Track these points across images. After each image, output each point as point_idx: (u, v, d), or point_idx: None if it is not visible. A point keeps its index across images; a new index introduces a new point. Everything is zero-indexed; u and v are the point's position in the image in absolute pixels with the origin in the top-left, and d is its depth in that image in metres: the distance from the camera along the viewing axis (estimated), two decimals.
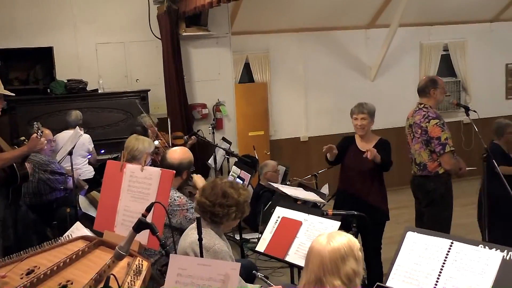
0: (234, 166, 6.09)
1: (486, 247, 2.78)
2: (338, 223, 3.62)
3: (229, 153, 6.98)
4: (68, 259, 2.92)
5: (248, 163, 5.97)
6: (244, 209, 3.28)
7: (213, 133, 7.66)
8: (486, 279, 2.66)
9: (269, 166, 6.89)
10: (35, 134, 4.58)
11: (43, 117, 7.07)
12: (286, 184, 6.34)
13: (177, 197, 3.80)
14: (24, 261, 2.95)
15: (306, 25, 8.87)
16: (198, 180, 3.89)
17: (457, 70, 9.88)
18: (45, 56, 7.46)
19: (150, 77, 8.15)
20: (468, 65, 9.86)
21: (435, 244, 2.92)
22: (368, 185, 4.82)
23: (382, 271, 4.84)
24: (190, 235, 3.25)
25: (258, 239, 4.09)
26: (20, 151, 4.64)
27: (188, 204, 3.78)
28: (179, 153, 3.99)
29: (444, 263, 2.83)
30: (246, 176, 5.60)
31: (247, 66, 8.90)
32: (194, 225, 3.31)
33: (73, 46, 7.84)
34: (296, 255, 3.64)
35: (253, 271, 3.83)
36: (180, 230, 3.64)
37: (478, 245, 2.80)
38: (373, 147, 4.78)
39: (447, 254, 2.85)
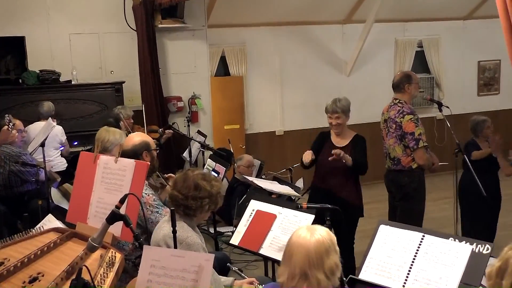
0: (209, 159, 6.08)
1: (456, 240, 2.83)
2: (313, 217, 3.64)
3: (204, 146, 6.96)
4: (39, 251, 2.88)
5: (223, 156, 5.97)
6: (217, 201, 3.26)
7: (189, 126, 7.64)
8: (456, 271, 2.72)
9: (244, 160, 6.91)
10: (6, 127, 4.50)
11: (15, 108, 6.96)
12: (261, 178, 6.36)
13: (145, 194, 3.69)
14: None
15: (283, 19, 8.87)
16: None
17: (431, 66, 10.00)
18: (17, 45, 7.31)
19: (125, 69, 8.07)
20: (441, 61, 9.99)
21: (407, 237, 2.97)
22: (342, 181, 4.82)
23: (355, 265, 4.88)
24: (163, 228, 3.22)
25: (233, 232, 4.09)
26: None
27: (154, 206, 3.66)
28: (130, 139, 3.92)
29: (415, 256, 2.88)
30: (221, 169, 5.60)
31: (223, 59, 8.86)
32: (166, 218, 3.29)
33: (46, 36, 7.71)
34: (270, 248, 3.65)
35: (227, 264, 3.84)
36: (140, 226, 3.58)
37: (448, 238, 2.86)
38: (347, 144, 4.80)
39: (419, 247, 2.90)
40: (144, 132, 6.76)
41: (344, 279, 2.76)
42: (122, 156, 3.56)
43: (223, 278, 3.46)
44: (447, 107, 5.22)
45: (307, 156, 4.69)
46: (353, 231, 4.96)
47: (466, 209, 5.69)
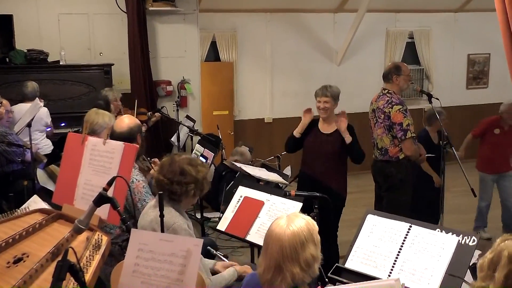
0: (197, 145, 6.06)
1: (443, 231, 2.85)
2: (300, 204, 3.64)
3: (193, 131, 6.92)
4: (24, 232, 2.85)
5: (211, 141, 5.95)
6: (203, 186, 3.23)
7: (177, 110, 7.60)
8: (442, 262, 2.74)
9: (244, 157, 6.76)
10: None
11: (2, 87, 6.86)
12: (249, 164, 6.35)
13: (136, 179, 3.69)
14: None
15: (275, 5, 8.82)
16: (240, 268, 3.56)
17: (421, 58, 10.01)
18: (4, 24, 7.19)
19: (114, 51, 7.98)
20: (432, 53, 10.01)
21: (394, 227, 2.98)
22: (327, 168, 4.82)
23: (338, 254, 4.91)
24: (150, 213, 3.20)
25: (219, 218, 4.09)
26: None
27: (143, 193, 3.66)
28: (125, 121, 3.89)
29: (402, 246, 2.90)
30: (210, 154, 5.59)
31: (213, 45, 8.81)
32: (152, 203, 3.27)
33: (34, 15, 7.59)
34: (257, 235, 3.65)
35: (208, 248, 3.79)
36: (128, 212, 3.56)
37: (435, 229, 2.88)
38: (334, 131, 4.80)
39: (405, 237, 2.92)
40: (133, 115, 6.72)
41: (322, 271, 2.75)
42: (117, 138, 3.53)
43: (206, 261, 3.46)
44: (437, 99, 5.24)
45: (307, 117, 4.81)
46: (337, 220, 4.96)
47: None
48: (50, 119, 6.50)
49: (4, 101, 5.54)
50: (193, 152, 5.95)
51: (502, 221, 6.28)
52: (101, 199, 2.60)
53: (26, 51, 7.27)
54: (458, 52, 10.23)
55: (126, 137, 3.66)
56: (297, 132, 4.94)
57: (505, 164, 6.09)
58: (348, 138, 4.70)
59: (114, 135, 3.75)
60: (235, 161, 6.57)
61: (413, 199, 5.44)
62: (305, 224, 2.42)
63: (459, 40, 10.16)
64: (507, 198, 6.22)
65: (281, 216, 2.51)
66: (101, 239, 2.84)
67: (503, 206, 6.28)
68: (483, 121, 6.35)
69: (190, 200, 3.28)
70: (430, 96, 5.30)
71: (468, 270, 2.70)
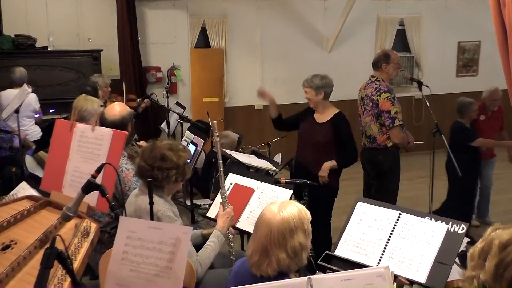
0: (187, 131, 6.03)
1: (432, 219, 2.86)
2: (290, 192, 3.64)
3: (182, 118, 6.89)
4: (12, 219, 2.84)
5: (201, 128, 5.92)
6: (184, 172, 3.19)
7: (167, 97, 7.56)
8: (431, 250, 2.75)
9: (229, 139, 6.78)
10: None
11: None
12: (239, 151, 6.33)
13: (125, 168, 3.67)
14: None
15: None
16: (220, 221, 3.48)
17: (411, 45, 10.00)
18: None
19: (103, 37, 7.91)
20: (422, 41, 10.00)
21: (384, 215, 2.98)
22: (317, 157, 4.77)
23: (331, 242, 4.89)
24: (134, 202, 3.17)
25: (209, 205, 4.08)
26: None
27: (133, 182, 3.64)
28: (117, 109, 3.85)
29: (391, 234, 2.90)
30: (199, 141, 5.56)
31: (203, 31, 8.74)
32: (136, 191, 3.24)
33: (22, 0, 7.49)
34: (247, 222, 3.65)
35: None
36: (117, 199, 3.53)
37: (424, 217, 2.88)
38: (327, 121, 4.74)
39: (395, 225, 2.92)
40: (123, 102, 6.68)
41: (312, 259, 2.75)
42: (109, 126, 3.50)
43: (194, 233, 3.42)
44: (427, 86, 5.24)
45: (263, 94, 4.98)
46: (329, 210, 4.93)
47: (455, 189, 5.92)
48: (39, 105, 6.45)
49: None
50: (183, 138, 5.92)
51: (476, 207, 6.30)
52: (89, 186, 2.58)
53: (13, 36, 7.19)
54: (448, 39, 10.23)
55: (119, 125, 3.63)
56: (271, 113, 5.00)
57: (488, 151, 6.14)
58: (333, 167, 4.68)
59: (106, 123, 3.72)
60: (222, 145, 6.56)
61: (451, 186, 5.67)
62: (297, 212, 2.42)
63: (450, 27, 10.16)
64: (488, 186, 6.27)
65: (275, 202, 2.52)
66: (90, 226, 2.83)
67: (482, 195, 6.30)
68: None
69: (173, 186, 3.24)
70: (420, 84, 5.30)
71: (457, 257, 2.72)
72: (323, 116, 4.81)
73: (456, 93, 10.10)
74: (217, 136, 3.45)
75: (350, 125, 4.79)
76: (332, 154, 4.75)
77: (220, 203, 3.49)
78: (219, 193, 3.73)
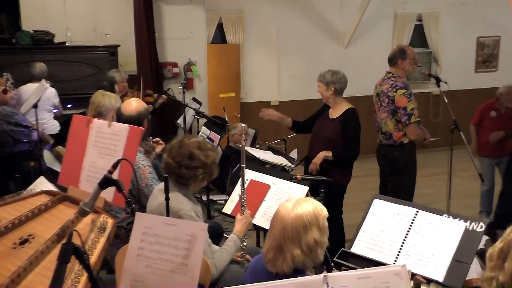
0: (203, 127, 6.05)
1: (450, 217, 2.82)
2: (306, 188, 3.62)
3: (199, 113, 6.90)
4: (30, 213, 2.86)
5: (218, 124, 5.92)
6: (212, 171, 3.20)
7: (184, 92, 7.57)
8: (449, 248, 2.72)
9: (237, 129, 6.85)
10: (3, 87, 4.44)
11: (8, 67, 6.85)
12: (256, 147, 6.33)
13: (142, 165, 3.68)
14: None
15: None
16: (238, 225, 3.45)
17: (429, 41, 9.90)
18: (10, 5, 7.18)
19: (120, 33, 7.94)
20: (440, 36, 9.89)
21: (401, 212, 2.96)
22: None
23: (344, 238, 4.86)
24: (158, 197, 3.16)
25: (225, 201, 4.08)
26: None
27: (150, 179, 3.65)
28: (134, 104, 3.87)
29: (408, 231, 2.87)
30: (216, 137, 5.57)
31: (220, 27, 8.74)
32: (161, 186, 3.24)
33: None
34: (263, 218, 3.64)
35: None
36: (133, 196, 3.55)
37: (442, 215, 2.85)
38: (337, 117, 4.71)
39: (412, 223, 2.89)
40: (139, 97, 6.71)
41: (328, 255, 2.73)
42: (125, 122, 3.52)
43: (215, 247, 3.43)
44: (445, 82, 5.17)
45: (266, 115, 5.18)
46: (339, 206, 4.82)
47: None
48: (58, 99, 6.51)
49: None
50: (199, 134, 5.93)
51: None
52: (106, 182, 2.60)
53: (32, 31, 7.25)
54: (467, 34, 10.09)
55: (135, 120, 3.66)
56: (285, 125, 5.14)
57: (503, 148, 6.03)
58: (328, 157, 4.64)
59: (123, 119, 3.74)
60: (233, 137, 6.57)
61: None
62: (312, 208, 2.41)
63: (468, 22, 10.01)
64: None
65: (290, 199, 2.52)
66: (106, 221, 2.84)
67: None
68: (479, 108, 6.32)
69: (199, 184, 3.26)
70: (438, 80, 5.24)
71: (476, 256, 2.68)
72: (335, 112, 4.79)
73: (475, 89, 10.02)
74: (244, 140, 3.41)
75: (362, 121, 4.76)
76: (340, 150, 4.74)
77: (240, 196, 3.46)
78: (235, 189, 3.73)
